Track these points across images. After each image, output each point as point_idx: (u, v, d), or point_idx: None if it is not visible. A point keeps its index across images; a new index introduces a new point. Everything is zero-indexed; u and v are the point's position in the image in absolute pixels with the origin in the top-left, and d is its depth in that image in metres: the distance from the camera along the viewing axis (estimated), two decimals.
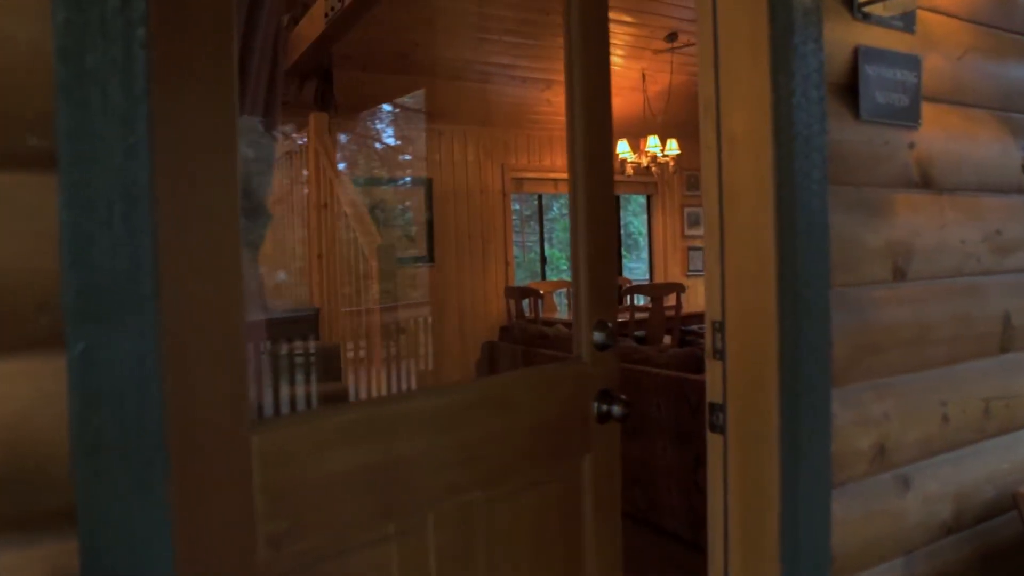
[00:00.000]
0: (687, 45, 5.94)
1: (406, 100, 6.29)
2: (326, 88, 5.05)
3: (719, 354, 1.39)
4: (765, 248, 1.29)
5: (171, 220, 0.89)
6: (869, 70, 1.41)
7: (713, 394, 1.41)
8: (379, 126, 6.62)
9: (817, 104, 1.32)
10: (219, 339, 0.96)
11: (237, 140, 1.00)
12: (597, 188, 1.40)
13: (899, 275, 1.48)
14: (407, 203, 6.72)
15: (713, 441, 1.42)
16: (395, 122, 6.63)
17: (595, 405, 1.38)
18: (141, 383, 0.77)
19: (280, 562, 1.02)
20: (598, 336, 1.38)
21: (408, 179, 6.71)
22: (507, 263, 7.21)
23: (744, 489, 1.35)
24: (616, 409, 1.38)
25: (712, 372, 1.41)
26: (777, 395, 1.28)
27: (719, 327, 1.38)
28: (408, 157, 6.71)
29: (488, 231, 7.11)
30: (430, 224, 6.79)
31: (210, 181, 0.95)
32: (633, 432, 3.38)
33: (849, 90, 1.40)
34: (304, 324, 4.25)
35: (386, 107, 6.25)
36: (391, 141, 6.66)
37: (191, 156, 0.93)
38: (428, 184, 6.80)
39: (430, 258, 6.78)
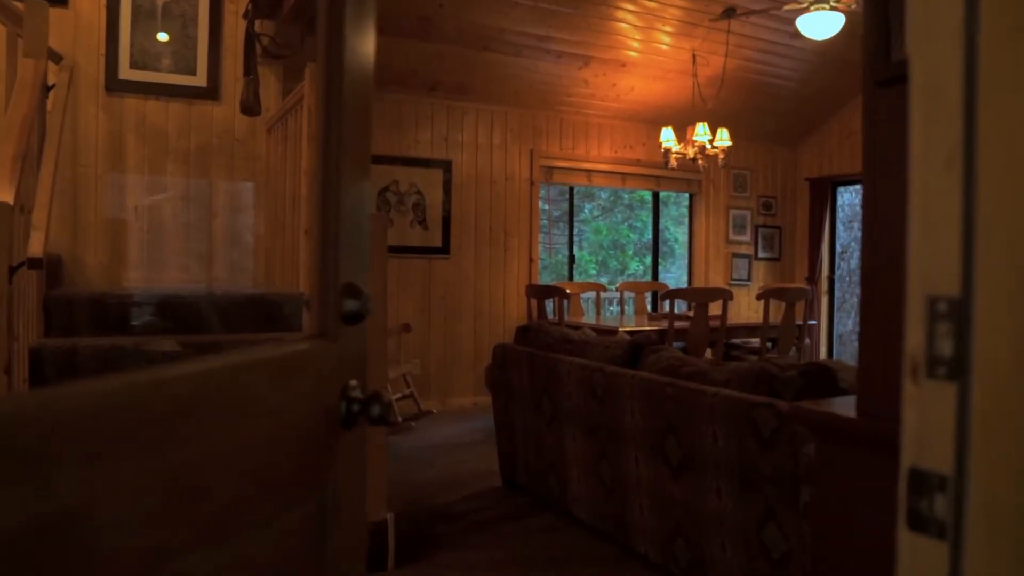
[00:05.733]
0: (750, 12, 5.19)
1: None
2: None
3: (948, 366, 0.64)
4: None
5: None
6: None
7: (926, 453, 0.65)
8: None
9: None
10: None
11: None
12: (354, 108, 1.08)
13: None
14: (422, 186, 6.03)
15: (919, 550, 0.67)
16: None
17: (342, 403, 1.01)
18: None
19: None
20: (351, 305, 1.05)
21: (424, 159, 6.02)
22: (531, 259, 6.49)
23: None
24: (375, 408, 1.00)
25: (926, 404, 0.65)
26: None
27: (951, 310, 0.64)
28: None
29: (512, 223, 6.40)
30: (447, 212, 6.10)
31: None
32: (678, 468, 2.64)
33: None
34: (287, 311, 3.64)
35: None
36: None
37: None
38: (447, 166, 6.11)
39: (445, 250, 6.08)
